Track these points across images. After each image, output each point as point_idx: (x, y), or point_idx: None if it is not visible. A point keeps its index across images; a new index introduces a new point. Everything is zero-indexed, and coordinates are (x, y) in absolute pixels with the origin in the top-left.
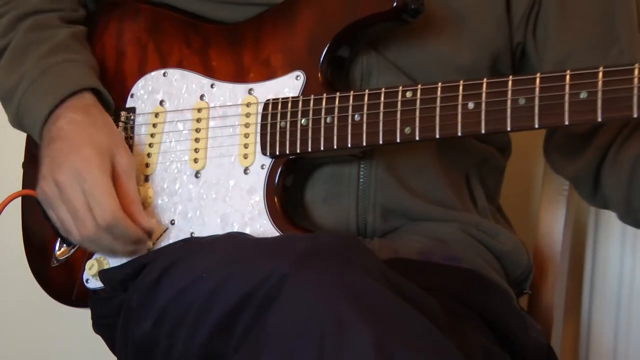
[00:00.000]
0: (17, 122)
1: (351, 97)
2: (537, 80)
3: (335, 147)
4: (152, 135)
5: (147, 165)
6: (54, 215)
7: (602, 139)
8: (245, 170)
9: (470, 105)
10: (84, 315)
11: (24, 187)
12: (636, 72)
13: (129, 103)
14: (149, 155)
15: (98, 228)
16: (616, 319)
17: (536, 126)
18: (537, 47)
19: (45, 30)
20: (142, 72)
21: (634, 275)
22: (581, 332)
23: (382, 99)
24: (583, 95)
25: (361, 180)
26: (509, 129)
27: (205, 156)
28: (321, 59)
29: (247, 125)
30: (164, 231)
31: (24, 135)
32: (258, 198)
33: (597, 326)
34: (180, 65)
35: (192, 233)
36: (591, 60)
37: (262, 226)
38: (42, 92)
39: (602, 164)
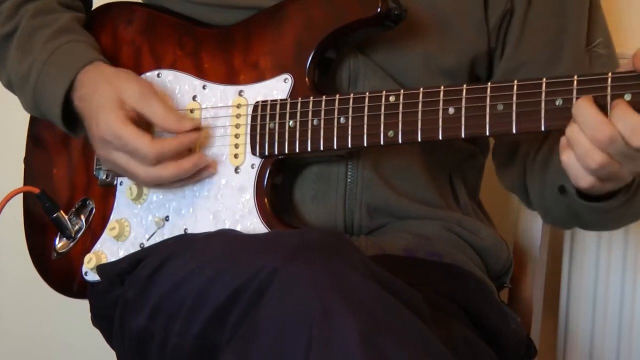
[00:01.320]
0: (35, 106)
1: (337, 101)
2: (515, 88)
3: (321, 148)
4: None
5: None
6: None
7: (524, 147)
8: (236, 170)
9: (451, 110)
10: (84, 309)
11: (25, 183)
12: (609, 80)
13: None
14: None
15: (151, 168)
16: (593, 311)
17: (514, 131)
18: (501, 53)
19: (47, 15)
20: (137, 73)
21: (610, 269)
22: (559, 324)
23: (367, 102)
24: (559, 102)
25: (348, 180)
26: (487, 133)
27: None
28: (308, 62)
29: (237, 125)
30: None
31: (25, 131)
32: (248, 196)
33: (574, 318)
34: (173, 66)
35: (185, 229)
36: (538, 74)
37: (253, 224)
38: (53, 76)
39: (525, 171)
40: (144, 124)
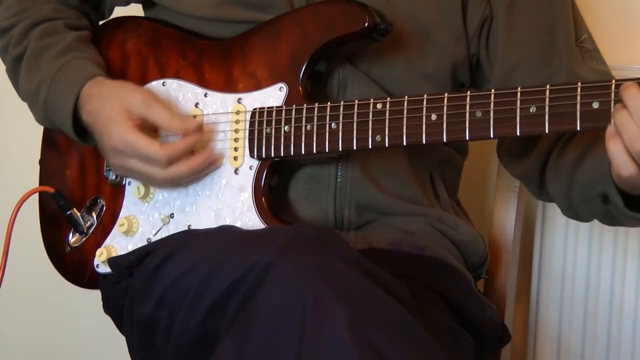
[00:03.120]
0: (47, 121)
1: (328, 108)
2: (492, 96)
3: (314, 151)
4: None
5: None
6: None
7: (545, 144)
8: (236, 171)
9: (433, 116)
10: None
11: (40, 183)
12: (579, 90)
13: None
14: None
15: (165, 170)
16: (561, 300)
17: (492, 136)
18: (489, 57)
19: (54, 35)
20: (143, 81)
21: (576, 261)
22: (530, 311)
23: (356, 109)
24: (532, 109)
25: (338, 180)
26: (467, 138)
27: None
28: (301, 72)
29: (236, 130)
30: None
31: (40, 134)
32: (247, 195)
33: (544, 306)
34: (177, 75)
35: (189, 225)
36: (534, 71)
37: (251, 220)
38: (61, 92)
39: (545, 167)
40: (150, 129)
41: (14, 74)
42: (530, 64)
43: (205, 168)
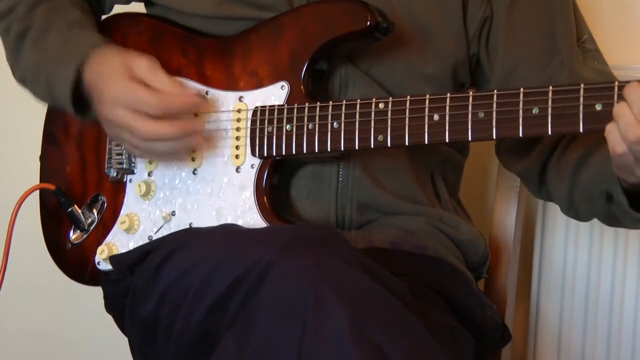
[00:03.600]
0: (48, 93)
1: (330, 107)
2: (495, 97)
3: (316, 150)
4: None
5: (150, 162)
6: (127, 146)
7: (546, 142)
8: (237, 169)
9: (436, 117)
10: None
11: (41, 180)
12: (582, 91)
13: None
14: None
15: (151, 122)
16: (561, 299)
17: (494, 137)
18: (489, 57)
19: (60, 13)
20: None
21: (577, 260)
22: (530, 311)
23: (358, 109)
24: (535, 110)
25: (340, 179)
26: (470, 139)
27: (201, 156)
28: (303, 71)
29: (238, 129)
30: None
31: (40, 131)
32: (248, 194)
33: (544, 306)
34: (178, 73)
35: (190, 223)
36: (535, 71)
37: (252, 219)
38: (66, 58)
39: (546, 165)
40: None
41: (16, 51)
42: (530, 64)
43: (187, 141)
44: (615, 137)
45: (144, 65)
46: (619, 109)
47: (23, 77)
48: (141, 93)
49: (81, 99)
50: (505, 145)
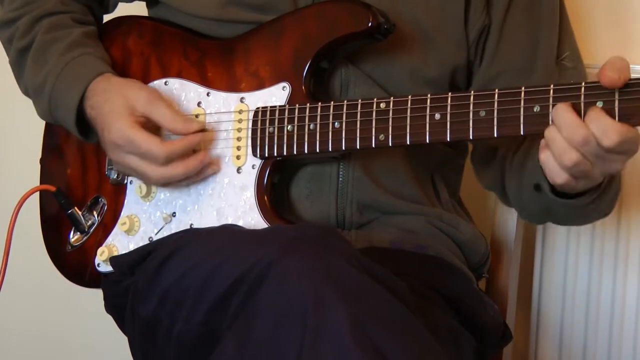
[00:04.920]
0: (50, 114)
1: (332, 107)
2: (496, 95)
3: (317, 150)
4: None
5: None
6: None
7: (503, 149)
8: (238, 170)
9: (437, 116)
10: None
11: (41, 182)
12: (582, 89)
13: None
14: None
15: (161, 168)
16: (562, 299)
17: (495, 135)
18: (480, 64)
19: (60, 29)
20: (145, 81)
21: (578, 260)
22: (532, 311)
23: (359, 109)
24: (536, 109)
25: (340, 179)
26: (471, 137)
27: None
28: (304, 72)
29: (239, 129)
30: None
31: (41, 133)
32: (249, 194)
33: (545, 306)
34: (179, 75)
35: (191, 224)
36: (513, 83)
37: (253, 219)
38: (67, 86)
39: (504, 171)
40: (152, 128)
41: (18, 66)
42: (509, 77)
43: (201, 172)
44: (554, 167)
45: (145, 100)
46: (549, 133)
47: (26, 92)
48: (144, 144)
49: (85, 121)
50: (476, 156)
